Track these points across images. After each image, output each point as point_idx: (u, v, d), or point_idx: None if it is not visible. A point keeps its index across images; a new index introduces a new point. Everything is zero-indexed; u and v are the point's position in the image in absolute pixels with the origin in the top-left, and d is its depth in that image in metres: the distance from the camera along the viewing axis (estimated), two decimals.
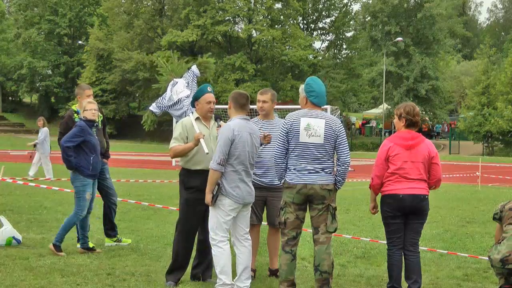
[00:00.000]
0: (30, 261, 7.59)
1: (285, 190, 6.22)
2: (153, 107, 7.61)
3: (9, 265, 7.36)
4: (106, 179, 8.82)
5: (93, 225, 9.43)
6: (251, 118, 7.06)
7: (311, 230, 6.36)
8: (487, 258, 6.81)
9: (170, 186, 16.62)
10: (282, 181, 6.25)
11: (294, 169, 6.13)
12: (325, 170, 6.13)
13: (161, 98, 7.55)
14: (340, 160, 6.20)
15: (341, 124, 6.33)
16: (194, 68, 7.52)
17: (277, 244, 7.05)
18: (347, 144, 6.26)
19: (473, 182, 20.80)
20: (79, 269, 7.24)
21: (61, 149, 8.04)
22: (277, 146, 6.19)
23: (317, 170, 6.10)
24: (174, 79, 7.49)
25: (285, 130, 6.15)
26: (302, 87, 6.53)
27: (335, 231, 6.25)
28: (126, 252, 8.32)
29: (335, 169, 6.26)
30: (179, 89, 7.35)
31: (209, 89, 6.80)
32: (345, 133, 6.31)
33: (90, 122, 8.09)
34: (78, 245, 8.58)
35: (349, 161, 6.23)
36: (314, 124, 6.11)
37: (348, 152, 6.26)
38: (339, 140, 6.17)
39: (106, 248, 8.59)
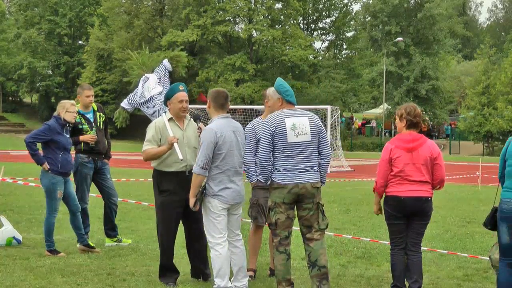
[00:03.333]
0: (30, 261, 7.59)
1: (273, 191, 6.19)
2: (124, 104, 7.46)
3: (9, 265, 7.36)
4: (106, 179, 8.82)
5: (93, 225, 9.44)
6: (248, 118, 7.03)
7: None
8: (488, 258, 6.81)
9: None
10: (268, 182, 6.22)
11: (284, 169, 6.12)
12: (314, 168, 6.20)
13: (132, 94, 7.36)
14: (323, 153, 6.26)
15: (319, 119, 6.40)
16: (166, 62, 7.33)
17: None
18: (327, 138, 6.42)
19: (473, 182, 20.79)
20: (79, 269, 7.24)
21: (26, 146, 7.99)
22: (263, 149, 6.13)
23: (307, 168, 6.15)
24: (146, 75, 7.32)
25: (270, 133, 6.12)
26: (272, 89, 6.59)
27: (326, 227, 6.31)
28: (126, 252, 8.32)
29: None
30: (151, 85, 7.16)
31: (181, 87, 6.67)
32: (324, 127, 6.39)
33: (64, 122, 8.04)
34: (78, 245, 8.59)
35: (330, 154, 6.36)
36: (299, 123, 6.15)
37: (329, 145, 6.37)
38: (322, 134, 6.27)
39: (106, 248, 8.59)
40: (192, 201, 6.13)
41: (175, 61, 7.54)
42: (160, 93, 7.10)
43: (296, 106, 6.42)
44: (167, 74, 7.29)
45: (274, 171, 6.16)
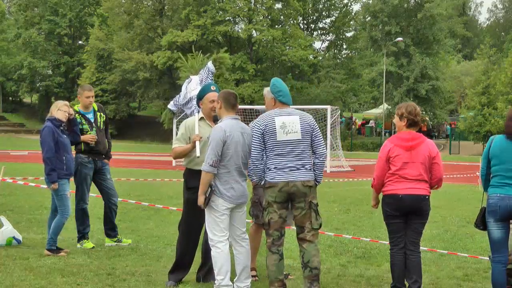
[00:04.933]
0: (30, 261, 7.60)
1: (266, 190, 6.23)
2: (170, 105, 7.57)
3: (9, 265, 7.36)
4: (107, 179, 8.82)
5: (93, 225, 9.44)
6: (248, 118, 7.03)
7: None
8: (487, 258, 6.82)
9: (170, 186, 16.60)
10: (263, 182, 6.25)
11: (275, 168, 6.16)
12: (305, 167, 6.20)
13: (178, 96, 7.50)
14: (317, 152, 6.27)
15: (313, 118, 6.39)
16: (210, 64, 7.41)
17: None
18: (321, 137, 6.37)
19: (473, 182, 20.78)
20: (79, 269, 7.25)
21: (45, 163, 7.96)
22: (254, 147, 6.19)
23: (297, 166, 6.16)
24: (190, 76, 7.43)
25: (260, 132, 6.18)
26: (267, 90, 6.63)
27: (320, 227, 6.31)
28: (126, 252, 8.32)
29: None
30: (192, 86, 7.28)
31: (212, 88, 6.74)
32: (318, 126, 6.41)
33: (58, 122, 8.06)
34: (78, 245, 8.60)
35: (325, 153, 6.35)
36: (289, 121, 6.18)
37: (324, 144, 6.36)
38: (314, 133, 6.26)
39: (106, 248, 8.60)
40: (201, 199, 6.15)
41: (219, 63, 7.60)
42: None
43: (297, 106, 6.42)
44: (210, 75, 7.34)
45: (266, 170, 6.21)
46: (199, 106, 6.88)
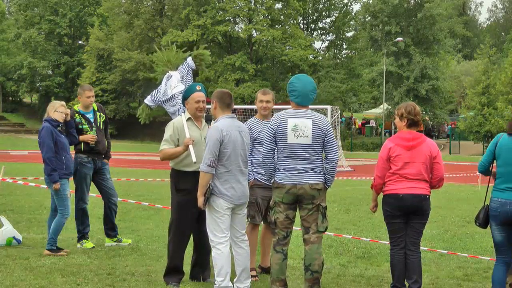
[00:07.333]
0: (30, 261, 7.60)
1: (274, 190, 6.24)
2: (147, 100, 7.44)
3: (9, 265, 7.36)
4: (106, 179, 8.82)
5: (93, 225, 9.44)
6: (248, 118, 7.02)
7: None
8: (487, 258, 6.82)
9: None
10: (272, 180, 6.26)
11: (283, 169, 6.15)
12: (314, 170, 6.16)
13: (156, 91, 7.34)
14: (328, 158, 6.23)
15: (329, 122, 6.35)
16: (189, 60, 7.31)
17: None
18: (335, 142, 6.30)
19: (473, 182, 20.78)
20: (79, 269, 7.25)
21: (45, 163, 7.97)
22: (265, 147, 6.20)
23: (306, 169, 6.13)
24: (169, 72, 7.31)
25: (272, 131, 6.17)
26: None
27: (325, 230, 6.29)
28: (126, 252, 8.32)
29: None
30: (173, 83, 7.13)
31: (198, 88, 6.67)
32: (332, 131, 6.35)
33: (55, 123, 8.06)
34: (78, 245, 8.60)
35: (337, 158, 6.29)
36: (301, 125, 6.12)
37: (337, 150, 6.31)
38: (327, 138, 6.19)
39: (106, 248, 8.60)
40: (201, 200, 6.13)
41: (199, 59, 7.49)
42: (182, 92, 7.06)
43: None
44: (190, 72, 7.26)
45: (276, 170, 6.20)
46: (184, 106, 6.80)
